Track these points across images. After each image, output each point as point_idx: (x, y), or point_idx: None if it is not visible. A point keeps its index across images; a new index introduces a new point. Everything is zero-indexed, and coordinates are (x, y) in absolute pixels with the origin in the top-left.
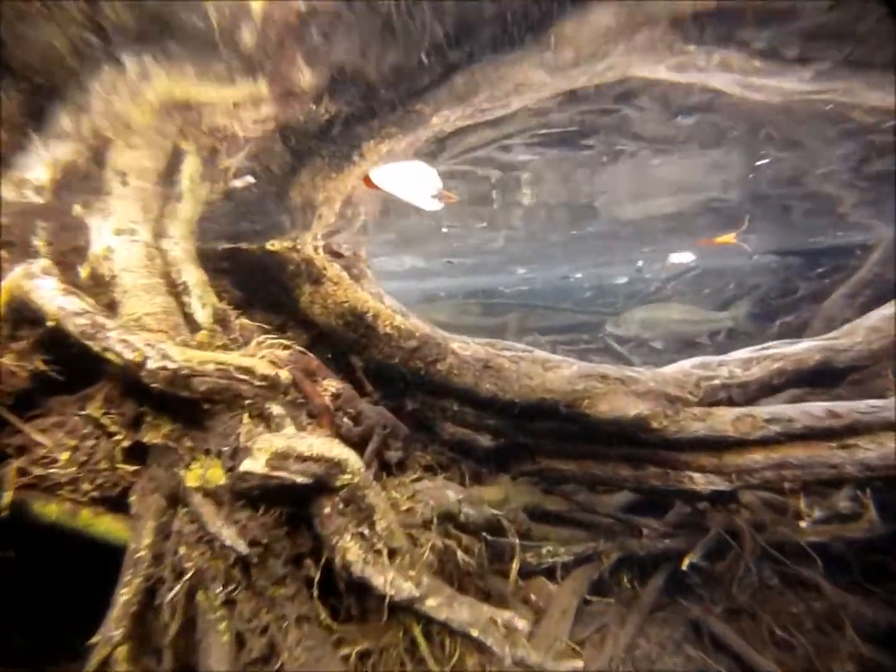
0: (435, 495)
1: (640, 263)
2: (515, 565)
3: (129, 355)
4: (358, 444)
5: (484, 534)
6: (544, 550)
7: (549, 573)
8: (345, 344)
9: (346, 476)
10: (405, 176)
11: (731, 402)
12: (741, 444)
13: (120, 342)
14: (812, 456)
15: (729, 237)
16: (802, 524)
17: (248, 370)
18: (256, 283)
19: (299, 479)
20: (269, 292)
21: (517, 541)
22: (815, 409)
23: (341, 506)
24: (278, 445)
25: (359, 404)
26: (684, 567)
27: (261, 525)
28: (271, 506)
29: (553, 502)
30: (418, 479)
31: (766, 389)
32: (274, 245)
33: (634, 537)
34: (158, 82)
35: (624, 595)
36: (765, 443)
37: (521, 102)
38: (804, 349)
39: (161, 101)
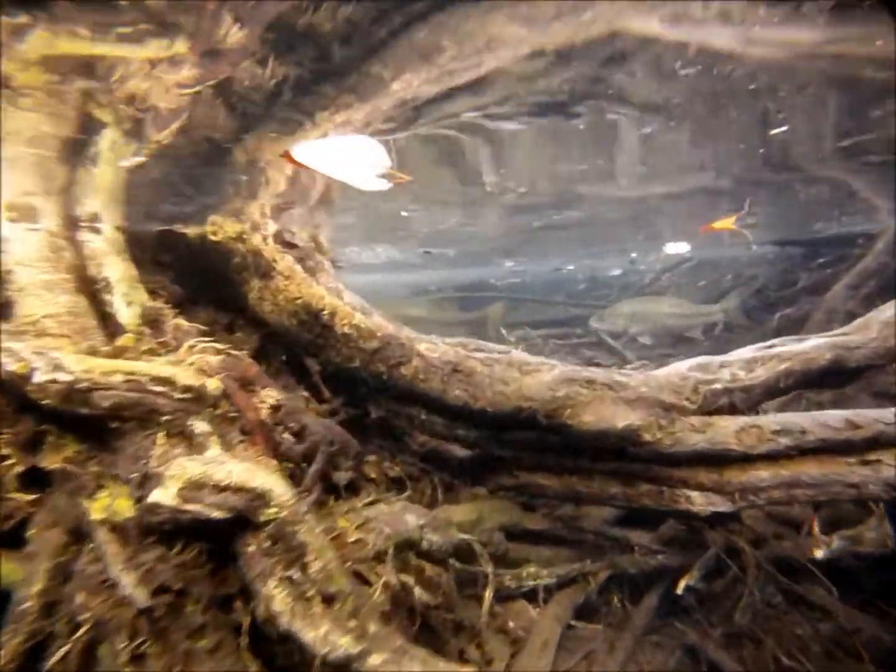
0: (392, 521)
1: (633, 255)
2: (488, 595)
3: (12, 366)
4: (301, 464)
5: (452, 561)
6: (524, 573)
7: (530, 597)
8: (299, 345)
9: (272, 510)
10: (342, 151)
11: (733, 409)
12: (746, 459)
13: (1, 351)
14: (828, 473)
15: (727, 222)
16: (818, 553)
17: (166, 381)
18: (200, 277)
19: (215, 514)
20: (215, 288)
21: (490, 569)
22: (831, 419)
23: (267, 544)
24: (193, 472)
25: (303, 417)
26: (679, 591)
27: (175, 566)
28: (190, 542)
29: (534, 520)
30: (373, 503)
31: (771, 393)
32: (216, 234)
33: (625, 553)
34: (40, 40)
35: (613, 618)
36: (773, 457)
37: (495, 62)
38: (813, 347)
39: (47, 60)
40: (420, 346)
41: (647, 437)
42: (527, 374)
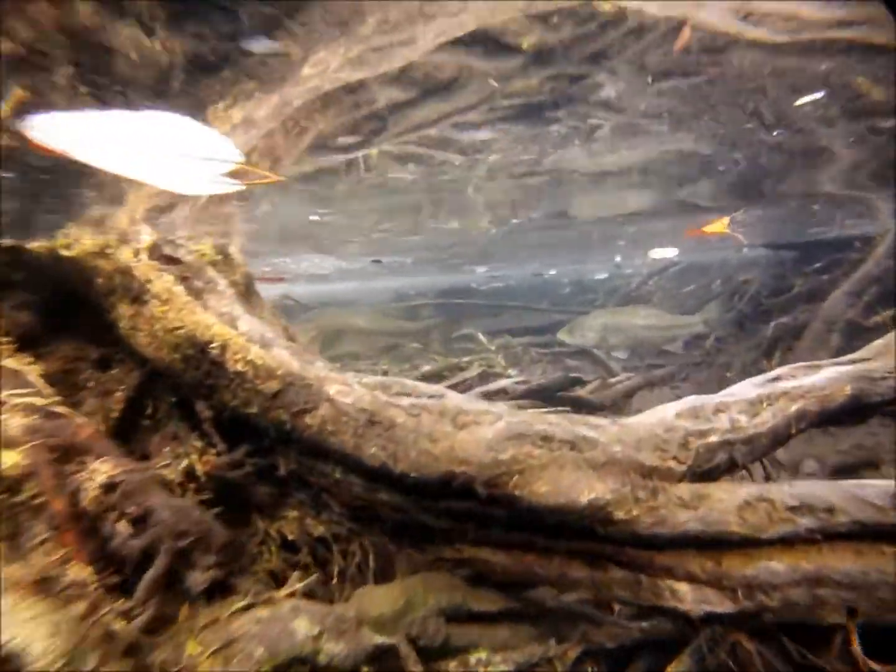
0: (270, 635)
1: (617, 259)
2: None
3: None
4: (139, 567)
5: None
6: (473, 659)
7: None
8: (186, 386)
9: None
10: (150, 134)
11: (732, 465)
12: (752, 545)
13: None
14: (868, 569)
15: (720, 225)
16: None
17: None
18: (62, 301)
19: None
20: (81, 315)
21: None
22: (872, 492)
23: None
24: None
25: (149, 499)
26: None
27: None
28: None
29: (484, 598)
30: (248, 608)
31: (779, 441)
32: (70, 248)
33: (600, 623)
34: None
35: None
36: (790, 543)
37: (434, 37)
38: (830, 380)
39: None
40: (331, 389)
41: (621, 514)
42: (462, 427)
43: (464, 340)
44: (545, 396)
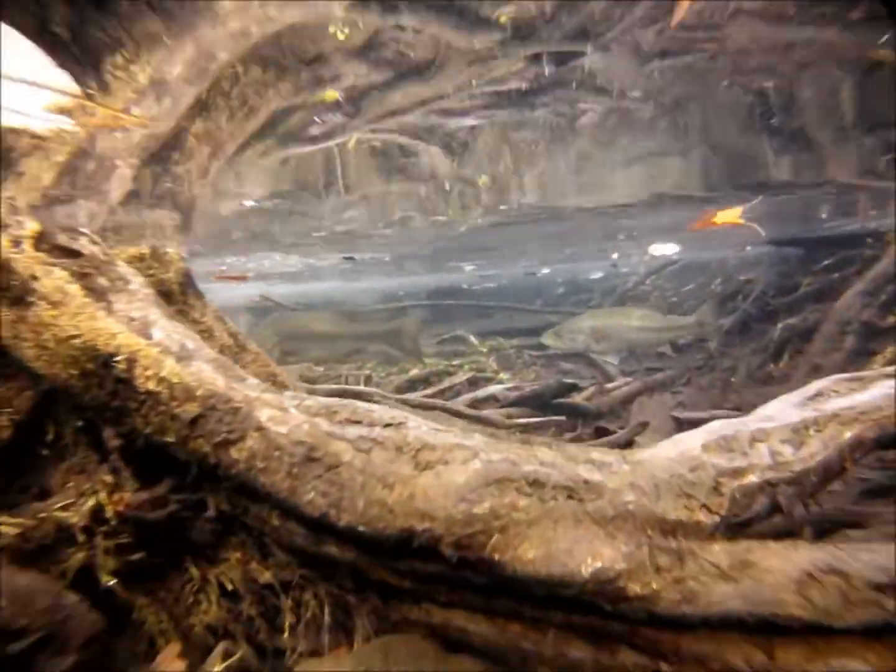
0: None
1: (614, 256)
2: None
3: None
4: None
5: None
6: None
7: None
8: (89, 408)
9: None
10: None
11: (774, 512)
12: (820, 632)
13: None
14: None
15: (732, 215)
16: None
17: None
18: None
19: None
20: None
21: None
22: None
23: None
24: None
25: None
26: None
27: None
28: None
29: (462, 664)
30: None
31: (831, 477)
32: None
33: None
34: None
35: None
36: (876, 634)
37: None
38: (885, 397)
39: None
40: (262, 414)
41: (636, 588)
42: (426, 468)
43: (454, 342)
44: (539, 404)
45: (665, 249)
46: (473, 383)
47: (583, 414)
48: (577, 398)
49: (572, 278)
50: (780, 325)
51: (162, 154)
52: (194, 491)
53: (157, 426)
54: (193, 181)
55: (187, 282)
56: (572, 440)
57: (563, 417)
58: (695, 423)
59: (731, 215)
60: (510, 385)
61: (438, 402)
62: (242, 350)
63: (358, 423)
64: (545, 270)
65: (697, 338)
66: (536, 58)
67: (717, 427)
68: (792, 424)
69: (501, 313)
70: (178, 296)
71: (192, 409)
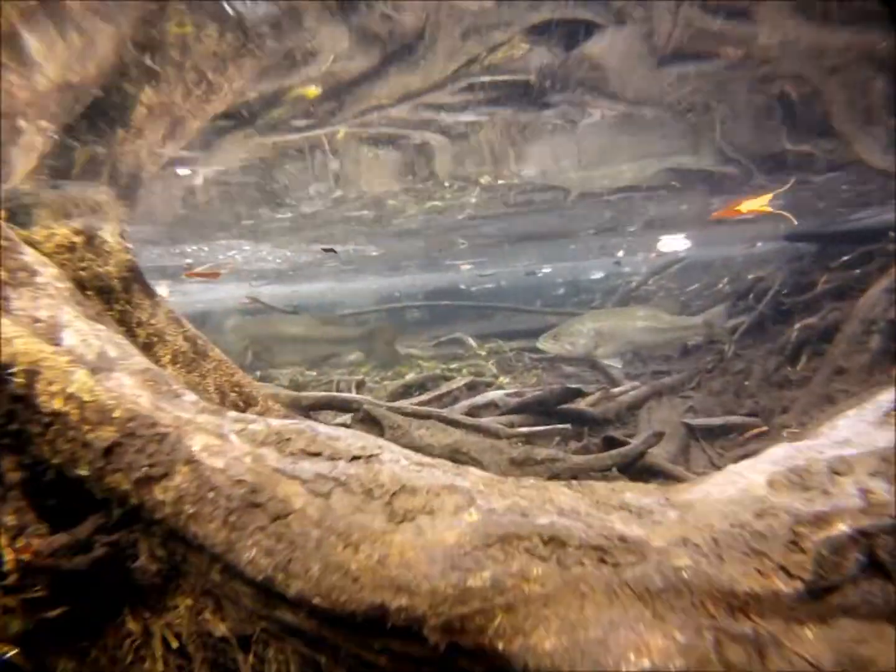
0: None
1: (619, 253)
2: None
3: None
4: None
5: None
6: None
7: None
8: None
9: None
10: None
11: (872, 572)
12: None
13: None
14: None
15: (760, 202)
16: None
17: None
18: None
19: None
20: None
21: None
22: None
23: None
24: None
25: None
26: None
27: None
28: None
29: None
30: None
31: None
32: None
33: None
34: None
35: None
36: None
37: None
38: None
39: None
40: (194, 443)
41: None
42: (404, 520)
43: (452, 345)
44: (541, 411)
45: (675, 244)
46: (472, 388)
47: (589, 421)
48: (582, 404)
49: (572, 279)
50: (797, 326)
51: (98, 121)
52: (126, 531)
53: (68, 455)
54: (144, 159)
55: (133, 276)
56: (578, 451)
57: (567, 425)
58: (708, 430)
59: (757, 203)
60: (511, 390)
61: (434, 410)
62: (201, 357)
63: (316, 455)
64: (546, 269)
65: (706, 339)
66: (542, 34)
67: (782, 455)
68: (880, 451)
69: (501, 314)
70: (119, 293)
71: (106, 435)
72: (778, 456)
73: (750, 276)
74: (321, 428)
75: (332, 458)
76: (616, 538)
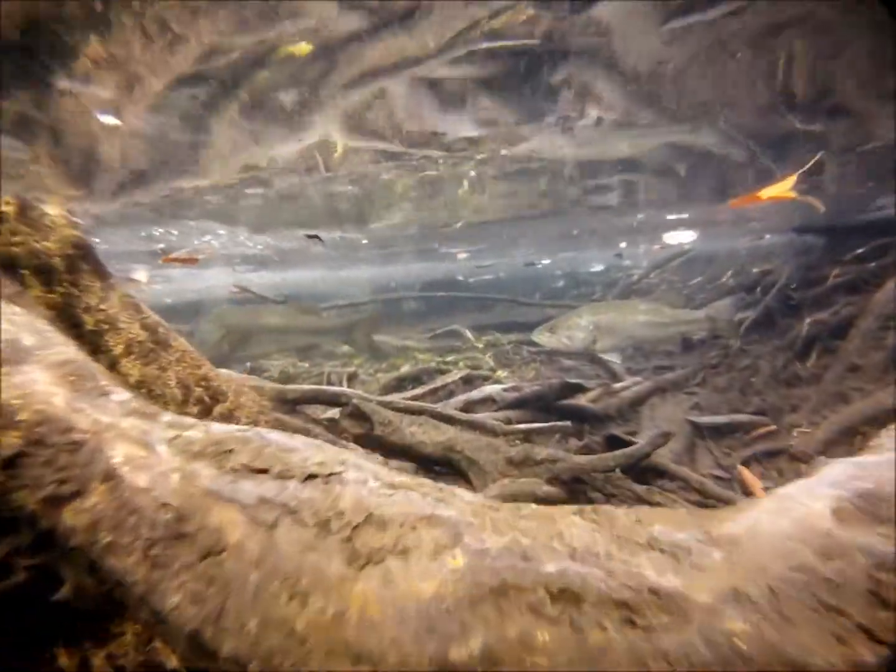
0: None
1: (622, 245)
2: None
3: None
4: None
5: None
6: None
7: None
8: None
9: None
10: None
11: None
12: None
13: None
14: None
15: (783, 187)
16: None
17: None
18: None
19: None
20: None
21: None
22: None
23: None
24: None
25: None
26: None
27: None
28: None
29: None
30: None
31: None
32: None
33: None
34: None
35: None
36: None
37: None
38: None
39: None
40: (115, 453)
41: None
42: (368, 563)
43: (448, 337)
44: (540, 406)
45: (681, 237)
46: (468, 382)
47: (589, 418)
48: (583, 400)
49: (571, 271)
50: (807, 321)
51: (24, 70)
52: (46, 554)
53: None
54: (88, 118)
55: (79, 255)
56: (580, 451)
57: (567, 422)
58: (715, 428)
59: (780, 189)
60: (508, 385)
61: (427, 405)
62: (162, 347)
63: (262, 472)
64: (545, 261)
65: (711, 334)
66: None
67: (843, 475)
68: None
69: (499, 306)
70: (62, 273)
71: (10, 443)
72: (839, 476)
73: (755, 270)
74: (273, 436)
75: (281, 477)
76: (647, 590)
